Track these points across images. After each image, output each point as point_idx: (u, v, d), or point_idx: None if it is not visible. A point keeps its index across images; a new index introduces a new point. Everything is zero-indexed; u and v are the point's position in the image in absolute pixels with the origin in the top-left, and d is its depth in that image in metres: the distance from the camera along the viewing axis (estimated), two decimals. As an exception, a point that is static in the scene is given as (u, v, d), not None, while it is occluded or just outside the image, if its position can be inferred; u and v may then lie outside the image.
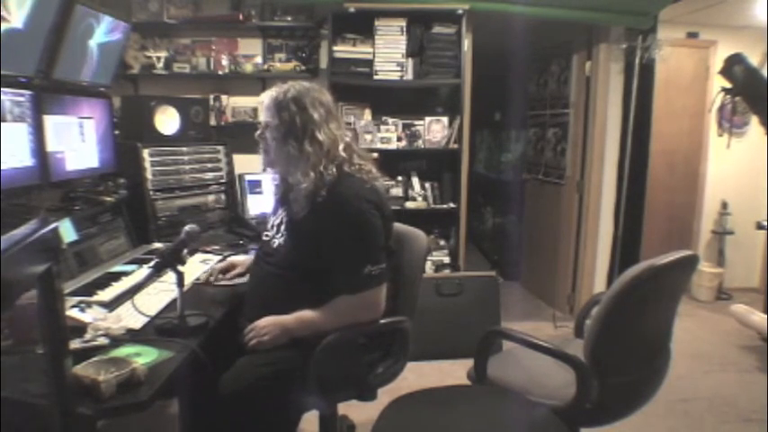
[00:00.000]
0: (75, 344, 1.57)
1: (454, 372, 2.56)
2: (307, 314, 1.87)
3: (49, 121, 2.47)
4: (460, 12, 3.81)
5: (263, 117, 1.98)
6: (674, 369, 2.12)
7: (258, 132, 1.99)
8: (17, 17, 2.20)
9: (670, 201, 5.13)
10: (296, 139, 1.88)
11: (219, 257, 2.67)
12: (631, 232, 4.48)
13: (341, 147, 1.93)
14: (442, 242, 4.16)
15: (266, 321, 1.88)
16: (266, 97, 1.96)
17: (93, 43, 2.80)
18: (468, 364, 2.18)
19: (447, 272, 4.02)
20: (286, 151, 1.90)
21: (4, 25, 2.10)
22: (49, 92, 2.53)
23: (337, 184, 1.88)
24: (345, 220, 1.86)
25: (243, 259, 2.31)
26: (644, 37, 4.17)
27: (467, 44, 3.92)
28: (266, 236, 2.07)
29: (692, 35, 4.90)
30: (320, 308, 1.87)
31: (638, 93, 4.28)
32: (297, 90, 1.93)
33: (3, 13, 2.08)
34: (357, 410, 2.51)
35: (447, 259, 4.10)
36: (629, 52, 4.27)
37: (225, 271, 2.27)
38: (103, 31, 2.84)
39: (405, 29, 3.85)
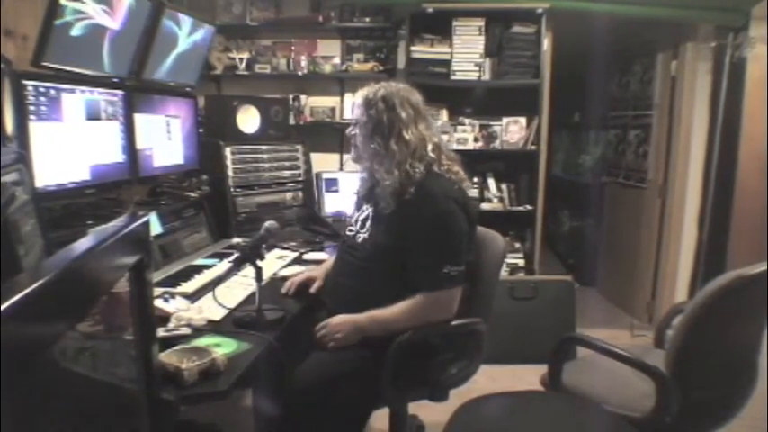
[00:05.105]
0: (159, 332, 1.63)
1: (526, 376, 2.51)
2: (379, 313, 1.88)
3: (139, 120, 2.59)
4: (540, 11, 3.74)
5: (354, 115, 2.02)
6: (762, 386, 2.01)
7: (349, 129, 2.03)
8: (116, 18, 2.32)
9: (761, 208, 4.84)
10: (382, 136, 1.92)
11: (295, 254, 2.73)
12: (717, 240, 4.25)
13: (429, 147, 1.96)
14: (518, 245, 4.10)
15: (339, 320, 1.91)
16: (359, 96, 2.01)
17: (180, 45, 2.92)
18: (540, 369, 2.14)
19: (521, 275, 3.95)
20: (372, 148, 1.94)
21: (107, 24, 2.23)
22: (139, 92, 2.65)
23: (425, 182, 1.91)
24: (431, 218, 1.88)
25: (320, 272, 2.25)
26: (735, 35, 3.96)
27: (546, 44, 3.85)
28: (350, 231, 2.11)
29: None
30: (393, 306, 1.88)
31: (728, 93, 4.06)
32: (386, 90, 1.97)
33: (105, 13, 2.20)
34: (427, 411, 2.50)
35: (522, 262, 4.04)
36: (718, 51, 4.07)
37: (304, 286, 2.20)
38: (189, 33, 2.95)
39: (483, 29, 3.82)
